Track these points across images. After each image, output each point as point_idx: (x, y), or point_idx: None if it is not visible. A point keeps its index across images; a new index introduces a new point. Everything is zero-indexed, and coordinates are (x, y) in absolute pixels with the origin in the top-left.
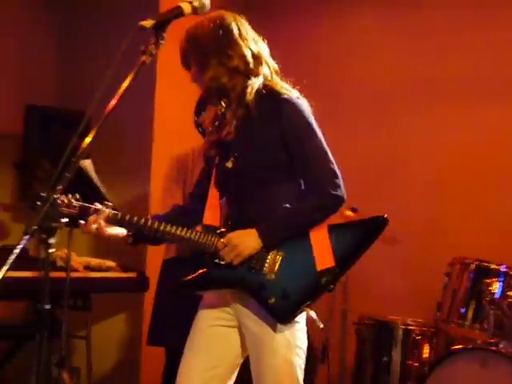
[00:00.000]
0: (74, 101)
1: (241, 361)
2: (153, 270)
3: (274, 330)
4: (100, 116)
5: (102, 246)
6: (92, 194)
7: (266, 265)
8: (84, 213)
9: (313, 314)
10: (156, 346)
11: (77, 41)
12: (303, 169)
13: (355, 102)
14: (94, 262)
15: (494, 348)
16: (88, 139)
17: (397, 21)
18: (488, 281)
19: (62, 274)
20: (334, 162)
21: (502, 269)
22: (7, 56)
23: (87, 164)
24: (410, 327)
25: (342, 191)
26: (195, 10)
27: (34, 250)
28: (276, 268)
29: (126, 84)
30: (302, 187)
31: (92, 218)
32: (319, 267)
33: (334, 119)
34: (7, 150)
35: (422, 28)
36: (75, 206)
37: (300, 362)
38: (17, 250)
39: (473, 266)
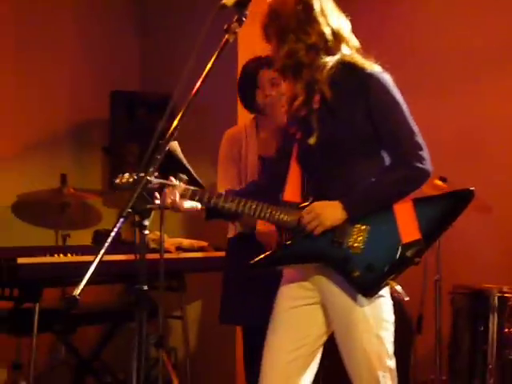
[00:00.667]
0: (158, 84)
1: (325, 339)
2: None
3: (359, 303)
4: (185, 97)
5: (194, 226)
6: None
7: (350, 238)
8: (161, 188)
9: (398, 287)
10: (229, 324)
11: (158, 25)
12: (389, 142)
13: (439, 68)
14: (186, 242)
15: None
16: (176, 122)
17: None
18: None
19: (156, 256)
20: (419, 135)
21: None
22: (92, 44)
23: (175, 146)
24: (506, 295)
25: (428, 164)
26: None
27: (127, 233)
28: (360, 241)
29: (210, 64)
30: (386, 163)
31: (167, 191)
32: (404, 240)
33: (416, 88)
34: (95, 136)
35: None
36: (155, 184)
37: (387, 334)
38: (112, 233)
39: None
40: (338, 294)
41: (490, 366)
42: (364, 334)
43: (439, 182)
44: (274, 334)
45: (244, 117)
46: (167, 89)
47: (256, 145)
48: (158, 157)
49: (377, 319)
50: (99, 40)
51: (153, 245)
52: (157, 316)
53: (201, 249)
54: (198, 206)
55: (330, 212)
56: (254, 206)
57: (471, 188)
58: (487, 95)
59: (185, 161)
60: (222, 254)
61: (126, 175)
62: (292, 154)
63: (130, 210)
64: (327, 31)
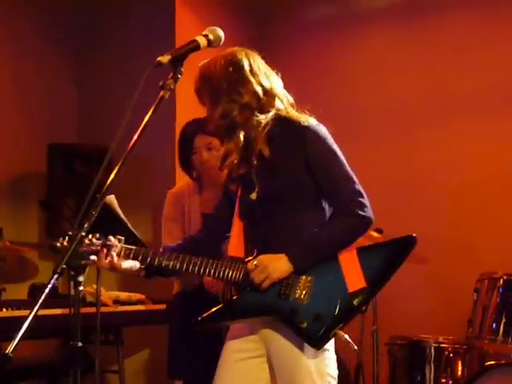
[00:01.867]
0: (95, 137)
1: None
2: None
3: (304, 356)
4: (122, 151)
5: (131, 279)
6: (119, 229)
7: (297, 289)
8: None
9: (346, 336)
10: (179, 379)
11: (95, 79)
12: (329, 192)
13: (374, 121)
14: (124, 295)
15: None
16: (112, 175)
17: (405, 37)
18: None
19: (93, 310)
20: (358, 183)
21: None
22: (29, 97)
23: (112, 199)
24: (442, 345)
25: (369, 211)
26: (210, 43)
27: (63, 286)
28: (307, 292)
29: (146, 119)
30: (327, 215)
31: (103, 252)
32: (351, 289)
33: (352, 139)
34: (32, 189)
35: (434, 44)
36: (97, 245)
37: None
38: (47, 290)
39: (501, 281)
40: (284, 347)
41: None
42: None
43: (375, 234)
44: None
45: (183, 173)
46: (104, 141)
47: (198, 203)
48: (93, 212)
49: (321, 374)
50: (36, 92)
51: (90, 298)
52: (93, 370)
53: (138, 302)
54: (137, 265)
55: (277, 264)
56: (198, 263)
57: (413, 235)
58: (422, 147)
59: (122, 215)
60: (160, 306)
61: (66, 238)
62: (232, 210)
63: (64, 266)
64: (259, 90)
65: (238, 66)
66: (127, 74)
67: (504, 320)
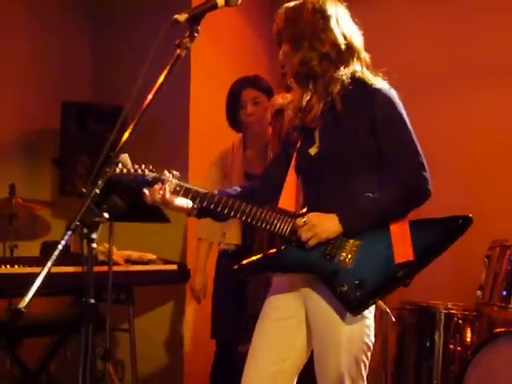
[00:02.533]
0: (109, 96)
1: (308, 355)
2: (194, 262)
3: (343, 321)
4: (136, 110)
5: (143, 239)
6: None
7: (343, 252)
8: (152, 182)
9: (385, 307)
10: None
11: (111, 37)
12: (392, 158)
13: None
14: (135, 255)
15: None
16: (126, 134)
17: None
18: None
19: (104, 268)
20: (423, 156)
21: None
22: (43, 54)
23: (125, 158)
24: (452, 311)
25: (430, 185)
26: (228, 3)
27: (76, 245)
28: (352, 256)
29: (161, 78)
30: (384, 180)
31: (157, 186)
32: (398, 260)
33: None
34: (45, 147)
35: (452, 9)
36: (151, 177)
37: (365, 359)
38: (60, 246)
39: None
40: (322, 309)
41: (435, 382)
42: (344, 354)
43: None
44: (258, 344)
45: (196, 132)
46: (119, 101)
47: (242, 162)
48: (108, 169)
49: (359, 342)
50: (50, 50)
51: (101, 257)
52: (104, 329)
53: (150, 262)
54: (190, 203)
55: (326, 225)
56: (247, 210)
57: (470, 215)
58: (435, 113)
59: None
60: (171, 267)
61: (120, 166)
62: (290, 162)
63: (77, 223)
64: (341, 42)
65: (326, 15)
66: (143, 32)
67: None
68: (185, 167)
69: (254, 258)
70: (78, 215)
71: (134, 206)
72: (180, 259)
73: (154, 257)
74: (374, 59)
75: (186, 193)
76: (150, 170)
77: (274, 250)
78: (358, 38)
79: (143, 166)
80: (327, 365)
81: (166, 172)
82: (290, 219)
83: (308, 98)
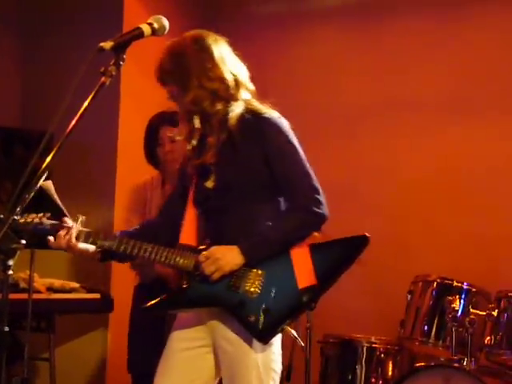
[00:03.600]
0: (37, 122)
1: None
2: (117, 292)
3: (250, 350)
4: (62, 136)
5: (66, 267)
6: (55, 215)
7: (247, 282)
8: (54, 230)
9: (293, 332)
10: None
11: (39, 63)
12: (285, 186)
13: (322, 118)
14: (58, 283)
15: (457, 365)
16: (48, 159)
17: (359, 40)
18: (450, 298)
19: (25, 296)
20: (315, 180)
21: (464, 286)
22: None
23: (48, 185)
24: (374, 345)
25: (325, 208)
26: (155, 32)
27: None
28: (257, 285)
29: (85, 104)
30: (282, 207)
31: (62, 233)
32: (301, 285)
33: (300, 136)
34: None
35: (386, 46)
36: (47, 224)
37: None
38: None
39: (435, 284)
40: (231, 340)
41: None
42: (254, 381)
43: (315, 233)
44: (163, 375)
45: (124, 158)
46: (47, 127)
47: (160, 196)
48: (27, 196)
49: (267, 369)
50: None
51: (23, 284)
52: (22, 357)
53: (72, 290)
54: (93, 247)
55: (229, 257)
56: (149, 249)
57: (366, 234)
58: (367, 146)
59: (58, 201)
60: (94, 296)
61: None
62: (187, 195)
63: None
64: (229, 77)
65: (209, 51)
66: (74, 59)
67: (436, 323)
68: (112, 194)
69: (161, 296)
70: None
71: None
72: (103, 288)
73: (77, 285)
74: (310, 92)
75: (87, 237)
76: (48, 218)
77: (178, 288)
78: (243, 71)
79: (41, 215)
80: None
81: (67, 219)
82: (192, 254)
83: (198, 136)
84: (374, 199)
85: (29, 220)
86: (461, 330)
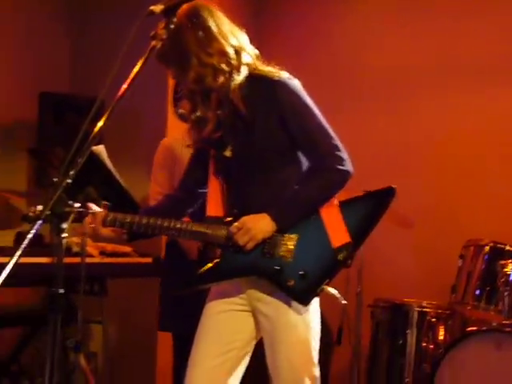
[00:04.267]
0: (88, 87)
1: (253, 345)
2: None
3: (289, 310)
4: (112, 101)
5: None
6: (107, 180)
7: (281, 248)
8: (79, 216)
9: (333, 290)
10: (168, 331)
11: (90, 28)
12: (305, 146)
13: (365, 87)
14: (110, 247)
15: (508, 329)
16: (100, 124)
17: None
18: (502, 262)
19: (78, 260)
20: (335, 137)
21: None
22: (21, 44)
23: (101, 149)
24: (425, 309)
25: (348, 164)
26: None
27: (50, 236)
28: (291, 250)
29: (136, 69)
30: (304, 168)
31: (88, 219)
32: (335, 244)
33: (350, 100)
34: (22, 137)
35: (433, 9)
36: (75, 212)
37: (314, 343)
38: (29, 235)
39: (487, 248)
40: (271, 304)
41: (407, 380)
42: (292, 339)
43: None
44: (202, 337)
45: (175, 125)
46: (97, 92)
47: (189, 154)
48: (79, 160)
49: (306, 327)
50: (28, 40)
51: (76, 248)
52: (76, 320)
53: (124, 254)
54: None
55: (260, 225)
56: (178, 225)
57: (393, 186)
58: (415, 111)
59: (110, 166)
60: (146, 260)
61: (39, 207)
62: (206, 168)
63: (48, 213)
64: (229, 50)
65: (205, 26)
66: (123, 24)
67: (487, 287)
68: None
69: (198, 272)
70: (49, 205)
71: (104, 195)
72: (155, 252)
73: (129, 249)
74: (356, 61)
75: (113, 222)
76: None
77: (214, 261)
78: (242, 37)
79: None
80: (279, 351)
81: (92, 205)
82: (222, 226)
83: (200, 112)
84: (423, 163)
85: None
86: None
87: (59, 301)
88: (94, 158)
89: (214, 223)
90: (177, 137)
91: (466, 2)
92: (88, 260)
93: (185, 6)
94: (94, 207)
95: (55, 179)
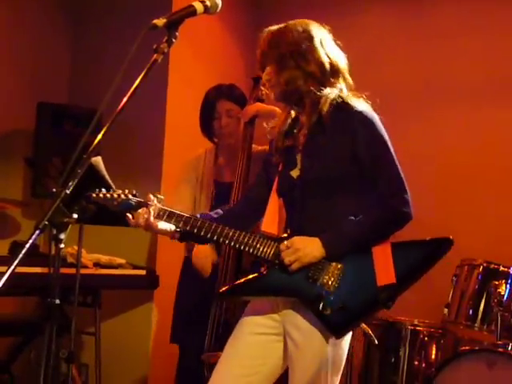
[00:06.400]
0: (86, 99)
1: (279, 373)
2: (163, 268)
3: (322, 342)
4: (112, 114)
5: (113, 243)
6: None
7: (326, 276)
8: (138, 207)
9: (368, 329)
10: (177, 343)
11: (89, 39)
12: (374, 182)
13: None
14: (104, 258)
15: (501, 349)
16: (99, 136)
17: (398, 22)
18: (496, 282)
19: (72, 271)
20: (404, 179)
21: (511, 271)
22: (20, 54)
23: (98, 160)
24: (418, 328)
25: (410, 208)
26: (207, 9)
27: (45, 246)
28: (335, 279)
29: (137, 82)
30: (366, 202)
31: (142, 211)
32: (380, 283)
33: None
34: (19, 146)
35: (422, 31)
36: (133, 201)
37: (339, 376)
38: (27, 245)
39: (481, 268)
40: (303, 330)
41: None
42: (322, 374)
43: None
44: (230, 354)
45: (172, 137)
46: (96, 104)
47: (212, 170)
48: (79, 171)
49: (336, 362)
50: (28, 49)
51: (70, 259)
52: (69, 331)
53: (119, 266)
54: (172, 227)
55: (310, 248)
56: (230, 235)
57: (450, 237)
58: (411, 131)
59: (107, 176)
60: (140, 272)
61: (104, 190)
62: (271, 184)
63: (46, 223)
64: (326, 61)
65: (310, 35)
66: (124, 35)
67: (481, 307)
68: (159, 173)
69: (237, 282)
70: (47, 215)
71: (104, 209)
72: (149, 264)
73: (123, 261)
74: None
75: (170, 217)
76: (134, 195)
77: (256, 274)
78: (342, 60)
79: (126, 191)
80: (294, 380)
81: (151, 196)
82: (273, 243)
83: (292, 118)
84: (420, 182)
85: (115, 195)
86: (506, 314)
87: (55, 311)
88: (92, 169)
89: (266, 238)
90: (201, 151)
91: (447, 26)
92: (82, 271)
93: (295, 20)
94: (154, 200)
95: (54, 190)
